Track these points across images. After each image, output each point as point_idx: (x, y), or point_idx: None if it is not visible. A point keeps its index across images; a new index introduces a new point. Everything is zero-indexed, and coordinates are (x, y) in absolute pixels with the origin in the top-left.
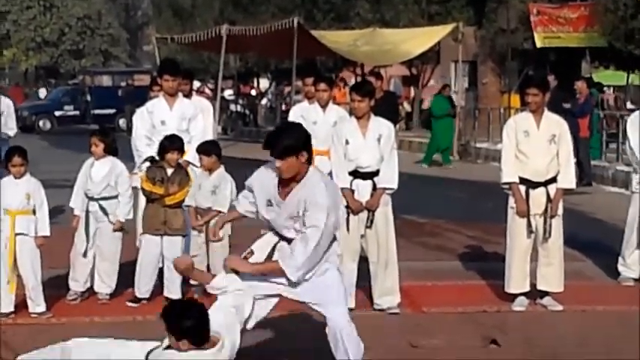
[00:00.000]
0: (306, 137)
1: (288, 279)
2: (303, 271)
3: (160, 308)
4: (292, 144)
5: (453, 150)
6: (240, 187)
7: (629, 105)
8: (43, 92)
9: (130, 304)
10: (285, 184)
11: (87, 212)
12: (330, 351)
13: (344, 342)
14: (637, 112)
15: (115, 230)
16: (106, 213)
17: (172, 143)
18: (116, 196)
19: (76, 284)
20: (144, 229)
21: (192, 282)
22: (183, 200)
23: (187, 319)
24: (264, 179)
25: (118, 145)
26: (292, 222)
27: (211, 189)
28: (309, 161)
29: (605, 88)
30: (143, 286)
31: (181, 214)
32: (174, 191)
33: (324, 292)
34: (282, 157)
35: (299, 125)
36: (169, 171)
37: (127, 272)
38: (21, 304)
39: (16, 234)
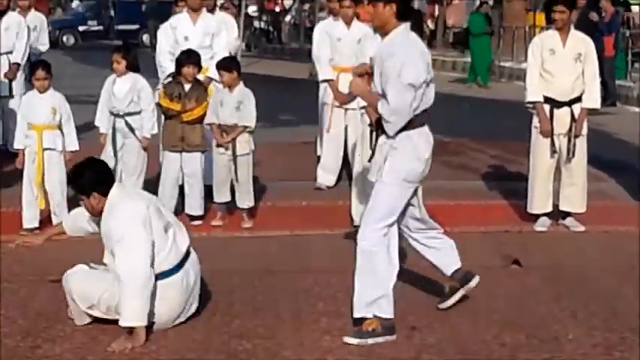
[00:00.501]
0: None
1: None
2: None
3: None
4: None
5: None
6: (260, 103)
7: None
8: (76, 3)
9: None
10: None
11: (113, 129)
12: None
13: None
14: None
15: (142, 147)
16: (132, 129)
17: (189, 57)
18: (139, 112)
19: None
20: (163, 146)
21: (215, 200)
22: (201, 116)
23: (86, 173)
24: None
25: (141, 61)
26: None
27: (235, 105)
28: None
29: (631, 6)
30: (166, 203)
31: (199, 130)
32: (191, 107)
33: None
34: None
35: None
36: (187, 87)
37: (151, 190)
38: (45, 220)
39: (44, 149)
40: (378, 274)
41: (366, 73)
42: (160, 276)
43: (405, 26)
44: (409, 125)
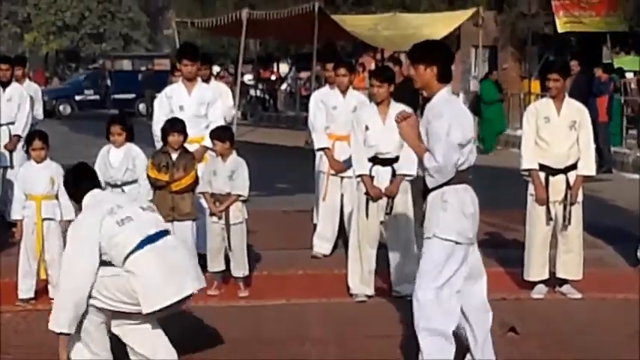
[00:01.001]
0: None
1: None
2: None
3: None
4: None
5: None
6: (253, 172)
7: None
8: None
9: None
10: None
11: None
12: None
13: None
14: None
15: None
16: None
17: (173, 126)
18: (136, 181)
19: None
20: None
21: (209, 269)
22: (189, 185)
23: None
24: None
25: (138, 130)
26: None
27: (228, 174)
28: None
29: (626, 73)
30: None
31: (189, 199)
32: (179, 177)
33: None
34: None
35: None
36: (174, 156)
37: None
38: (41, 291)
39: (43, 219)
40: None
41: (407, 117)
42: (127, 257)
43: (447, 88)
44: (455, 180)
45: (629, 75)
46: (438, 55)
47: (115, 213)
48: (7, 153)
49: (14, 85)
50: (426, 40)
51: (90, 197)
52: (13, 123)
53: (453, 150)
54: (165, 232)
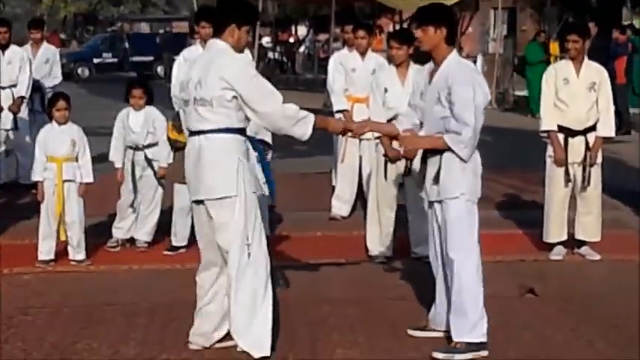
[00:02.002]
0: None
1: None
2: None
3: (197, 257)
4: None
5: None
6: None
7: None
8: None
9: (167, 252)
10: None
11: (132, 163)
12: None
13: None
14: None
15: (159, 177)
16: (149, 163)
17: None
18: (157, 143)
19: (120, 232)
20: (172, 179)
21: None
22: None
23: None
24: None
25: (156, 93)
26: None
27: (252, 135)
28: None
29: None
30: (179, 234)
31: None
32: None
33: None
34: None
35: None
36: None
37: (164, 221)
38: (61, 253)
39: (63, 181)
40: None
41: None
42: None
43: (455, 51)
44: None
45: None
46: (447, 17)
47: None
48: (10, 115)
49: (13, 47)
50: (432, 3)
51: None
52: (15, 85)
53: (480, 114)
54: None
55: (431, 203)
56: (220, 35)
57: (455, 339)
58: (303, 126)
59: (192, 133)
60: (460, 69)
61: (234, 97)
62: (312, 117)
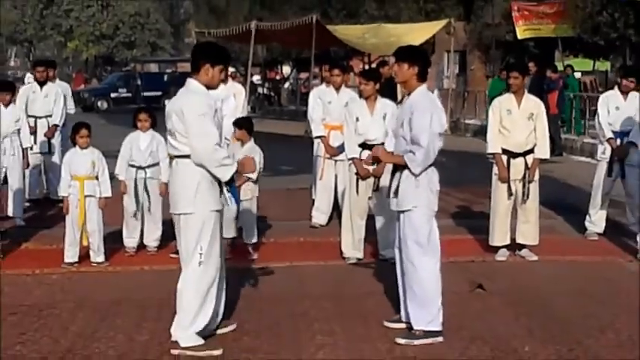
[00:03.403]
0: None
1: None
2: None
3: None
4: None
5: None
6: (263, 156)
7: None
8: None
9: (173, 255)
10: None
11: (135, 180)
12: None
13: None
14: (604, 94)
15: (160, 193)
16: (151, 178)
17: None
18: (157, 163)
19: (132, 241)
20: None
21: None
22: None
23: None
24: None
25: (163, 121)
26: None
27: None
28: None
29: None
30: None
31: None
32: None
33: None
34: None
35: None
36: None
37: (170, 229)
38: (83, 256)
39: (85, 196)
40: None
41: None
42: None
43: (424, 86)
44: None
45: (577, 74)
46: (420, 57)
47: None
48: (46, 140)
49: (50, 84)
50: (410, 45)
51: None
52: (50, 115)
53: (435, 139)
54: None
55: (397, 213)
56: (197, 73)
57: (415, 327)
58: (224, 170)
59: (169, 158)
60: (423, 99)
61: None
62: (234, 166)
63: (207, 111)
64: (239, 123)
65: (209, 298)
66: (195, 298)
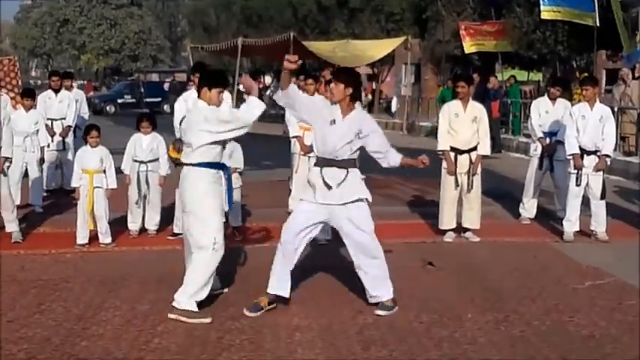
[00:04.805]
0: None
1: None
2: None
3: None
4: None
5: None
6: (246, 153)
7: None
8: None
9: (170, 237)
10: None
11: (137, 173)
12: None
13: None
14: (536, 100)
15: (159, 183)
16: (152, 172)
17: None
18: (157, 159)
19: (135, 225)
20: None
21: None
22: None
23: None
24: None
25: (163, 124)
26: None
27: (229, 153)
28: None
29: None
30: (179, 224)
31: None
32: None
33: None
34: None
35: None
36: None
37: (168, 215)
38: (93, 238)
39: (94, 187)
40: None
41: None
42: None
43: (359, 104)
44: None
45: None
46: (355, 80)
47: None
48: (61, 139)
49: (63, 91)
50: (347, 67)
51: None
52: (64, 118)
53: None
54: None
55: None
56: (200, 95)
57: (385, 298)
58: (256, 110)
59: (182, 165)
60: (368, 117)
61: (213, 140)
62: (257, 101)
63: (217, 114)
64: None
65: (212, 276)
66: (204, 276)
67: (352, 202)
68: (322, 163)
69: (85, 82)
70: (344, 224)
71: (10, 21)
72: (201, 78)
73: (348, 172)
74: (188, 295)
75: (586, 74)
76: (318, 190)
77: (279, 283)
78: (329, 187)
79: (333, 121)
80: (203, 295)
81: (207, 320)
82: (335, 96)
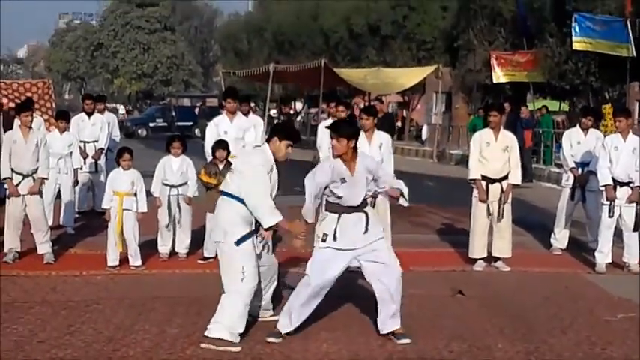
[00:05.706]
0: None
1: None
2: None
3: None
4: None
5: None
6: (281, 178)
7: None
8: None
9: (200, 261)
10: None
11: (168, 197)
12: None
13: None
14: (568, 131)
15: (187, 204)
16: (182, 195)
17: (219, 145)
18: (186, 183)
19: (165, 248)
20: (207, 209)
21: None
22: None
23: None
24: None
25: (194, 148)
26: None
27: None
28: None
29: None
30: (209, 248)
31: None
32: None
33: None
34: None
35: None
36: (220, 166)
37: (199, 239)
38: (124, 260)
39: (123, 210)
40: None
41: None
42: None
43: (360, 152)
44: None
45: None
46: (356, 133)
47: None
48: (93, 161)
49: (96, 114)
50: (346, 120)
51: None
52: (96, 141)
53: None
54: None
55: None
56: (267, 142)
57: (395, 327)
58: (273, 216)
59: (218, 192)
60: (370, 159)
61: None
62: (280, 216)
63: (263, 164)
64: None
65: (246, 307)
66: (237, 307)
67: (377, 240)
68: (340, 210)
69: (117, 105)
70: (369, 264)
71: (45, 44)
72: (275, 128)
73: (367, 214)
74: (221, 325)
75: (608, 105)
76: (343, 237)
77: (297, 318)
78: (356, 233)
79: (344, 180)
80: (239, 327)
81: (237, 349)
82: (339, 151)
